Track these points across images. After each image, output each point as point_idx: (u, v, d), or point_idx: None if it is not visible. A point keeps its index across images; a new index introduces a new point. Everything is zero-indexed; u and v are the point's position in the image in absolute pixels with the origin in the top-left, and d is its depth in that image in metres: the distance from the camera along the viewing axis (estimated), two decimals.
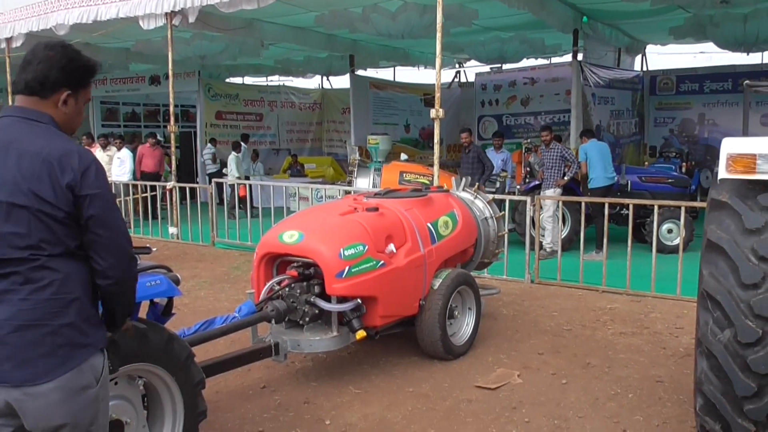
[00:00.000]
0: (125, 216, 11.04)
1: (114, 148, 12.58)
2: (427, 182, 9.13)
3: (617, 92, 13.26)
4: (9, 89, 12.70)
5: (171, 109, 10.55)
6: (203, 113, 15.60)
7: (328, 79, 19.61)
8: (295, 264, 4.54)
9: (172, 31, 9.88)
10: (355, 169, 10.64)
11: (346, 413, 4.12)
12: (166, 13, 9.53)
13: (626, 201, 7.82)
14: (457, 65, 17.67)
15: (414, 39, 11.21)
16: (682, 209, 7.19)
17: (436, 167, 7.64)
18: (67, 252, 2.08)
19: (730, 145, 3.04)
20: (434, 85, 7.48)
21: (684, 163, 11.93)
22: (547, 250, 8.70)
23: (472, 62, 16.42)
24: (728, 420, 2.90)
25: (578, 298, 6.84)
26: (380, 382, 4.59)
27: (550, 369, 4.82)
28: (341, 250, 4.33)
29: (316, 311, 4.40)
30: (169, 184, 10.80)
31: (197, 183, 14.29)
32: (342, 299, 4.39)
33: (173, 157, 11.03)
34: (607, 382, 4.57)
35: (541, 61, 15.53)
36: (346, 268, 4.30)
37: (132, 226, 11.19)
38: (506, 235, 6.82)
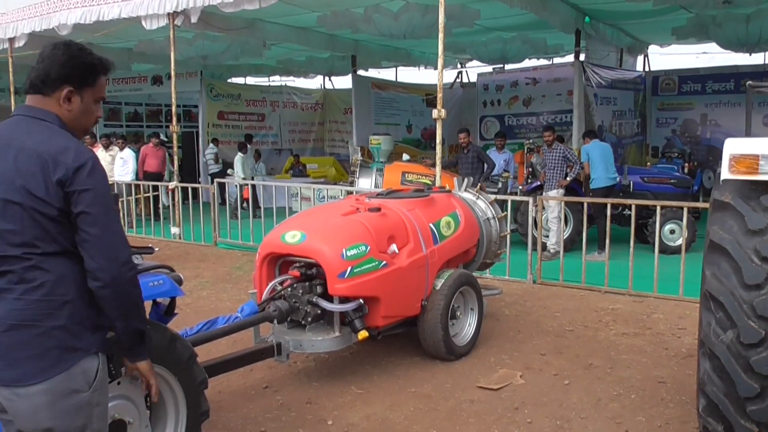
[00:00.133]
0: (127, 216, 11.07)
1: (116, 148, 12.60)
2: (429, 182, 9.13)
3: (619, 93, 13.25)
4: (12, 89, 12.76)
5: (173, 109, 10.57)
6: (205, 113, 15.61)
7: (330, 80, 19.61)
8: (298, 264, 4.54)
9: (175, 31, 9.89)
10: (357, 170, 10.64)
11: (348, 413, 4.12)
12: (169, 14, 9.55)
13: (628, 201, 7.82)
14: (459, 65, 17.67)
15: (416, 39, 11.21)
16: (685, 210, 7.19)
17: (438, 168, 7.64)
18: (63, 251, 2.06)
19: (733, 146, 3.04)
20: (436, 85, 7.49)
21: (686, 164, 11.90)
22: (551, 251, 8.69)
23: (474, 62, 16.41)
24: (731, 421, 2.90)
25: (580, 298, 6.84)
26: (382, 383, 4.59)
27: (552, 370, 4.81)
28: (343, 250, 4.33)
29: (319, 311, 4.40)
30: (172, 184, 10.82)
31: (199, 183, 14.30)
32: (344, 299, 4.39)
33: (175, 157, 11.04)
34: (609, 382, 4.57)
35: (543, 62, 15.53)
36: (349, 269, 4.30)
37: (134, 226, 11.21)
38: (508, 236, 6.82)
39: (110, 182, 10.94)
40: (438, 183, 7.50)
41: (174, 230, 10.62)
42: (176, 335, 3.05)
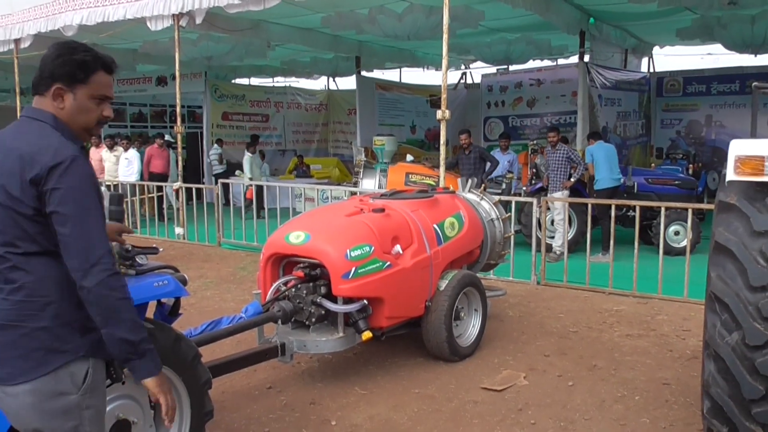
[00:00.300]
0: (132, 216, 11.10)
1: (120, 149, 12.63)
2: (433, 183, 9.13)
3: (624, 94, 13.23)
4: (17, 90, 12.81)
5: (178, 109, 10.60)
6: (209, 114, 15.64)
7: (334, 80, 19.64)
8: (302, 265, 4.55)
9: (179, 32, 9.92)
10: (361, 170, 10.66)
11: (351, 414, 4.13)
12: (174, 15, 9.57)
13: (633, 203, 7.80)
14: (463, 66, 17.66)
15: (420, 40, 11.21)
16: (689, 211, 7.18)
17: (441, 168, 7.64)
18: (45, 252, 2.04)
19: (739, 147, 3.03)
20: (440, 86, 7.48)
21: (691, 165, 11.90)
22: (557, 252, 8.68)
23: (478, 63, 16.39)
24: (736, 423, 2.89)
25: (584, 299, 6.83)
26: (386, 383, 4.59)
27: (556, 371, 4.81)
28: (348, 251, 4.33)
29: (323, 312, 4.41)
30: (176, 185, 10.84)
31: (203, 183, 14.33)
32: (348, 300, 4.39)
33: (179, 158, 11.07)
34: (613, 384, 4.56)
35: (547, 63, 15.51)
36: (353, 269, 4.31)
37: (139, 226, 11.24)
38: (512, 237, 6.81)
39: (115, 182, 10.96)
40: (442, 184, 7.49)
41: (178, 230, 10.64)
42: (181, 335, 3.06)
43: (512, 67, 15.06)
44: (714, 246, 3.07)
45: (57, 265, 2.04)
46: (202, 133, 16.17)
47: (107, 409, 2.72)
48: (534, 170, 10.06)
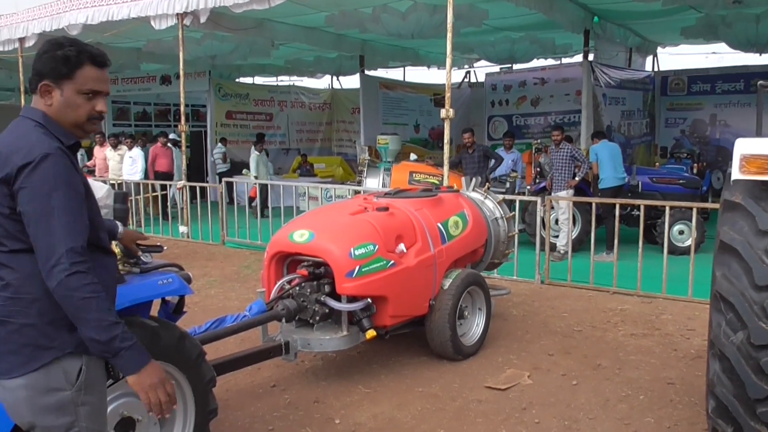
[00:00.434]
0: (136, 215, 11.12)
1: (125, 147, 12.65)
2: (437, 182, 9.12)
3: (628, 93, 13.20)
4: (22, 89, 12.85)
5: (182, 108, 10.61)
6: (213, 113, 15.66)
7: (338, 79, 19.64)
8: (306, 263, 4.55)
9: (183, 31, 9.93)
10: (365, 169, 10.66)
11: (355, 412, 4.13)
12: (178, 14, 9.58)
13: (637, 202, 7.79)
14: (467, 65, 17.65)
15: (424, 39, 11.21)
16: (694, 210, 7.16)
17: (445, 167, 7.64)
18: (30, 249, 2.03)
19: (744, 146, 3.02)
20: (444, 85, 7.48)
21: (695, 164, 11.86)
22: (561, 252, 8.67)
23: (482, 62, 16.39)
24: (741, 423, 2.88)
25: (588, 299, 6.82)
26: (390, 382, 4.60)
27: (560, 370, 4.80)
28: (351, 249, 4.33)
29: (327, 310, 4.41)
30: (180, 183, 10.86)
31: (207, 182, 14.35)
32: (352, 299, 4.39)
33: (184, 156, 11.08)
34: (617, 383, 4.55)
35: (551, 62, 15.49)
36: (357, 268, 4.31)
37: (143, 225, 11.26)
38: (516, 236, 6.81)
39: (119, 181, 10.94)
40: (446, 182, 7.49)
41: (182, 229, 10.66)
42: (185, 333, 3.06)
43: (516, 66, 15.06)
44: (719, 245, 3.06)
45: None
46: (206, 131, 16.19)
47: (111, 407, 2.74)
48: (538, 169, 10.05)
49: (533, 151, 10.93)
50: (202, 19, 9.62)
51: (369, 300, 4.41)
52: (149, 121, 18.45)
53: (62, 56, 2.09)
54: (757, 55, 12.62)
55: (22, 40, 11.84)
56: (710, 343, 3.08)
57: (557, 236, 8.91)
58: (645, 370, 4.81)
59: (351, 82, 18.65)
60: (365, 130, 14.13)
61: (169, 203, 11.88)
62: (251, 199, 12.23)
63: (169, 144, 13.27)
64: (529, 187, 10.16)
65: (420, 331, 4.98)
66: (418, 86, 16.96)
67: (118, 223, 2.79)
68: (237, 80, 17.94)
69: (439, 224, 5.02)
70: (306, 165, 15.66)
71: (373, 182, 10.35)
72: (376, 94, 15.01)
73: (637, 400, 4.28)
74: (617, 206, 7.44)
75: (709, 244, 8.17)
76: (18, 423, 2.13)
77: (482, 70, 17.07)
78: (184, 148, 11.08)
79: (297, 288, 4.47)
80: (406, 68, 18.17)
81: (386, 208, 4.80)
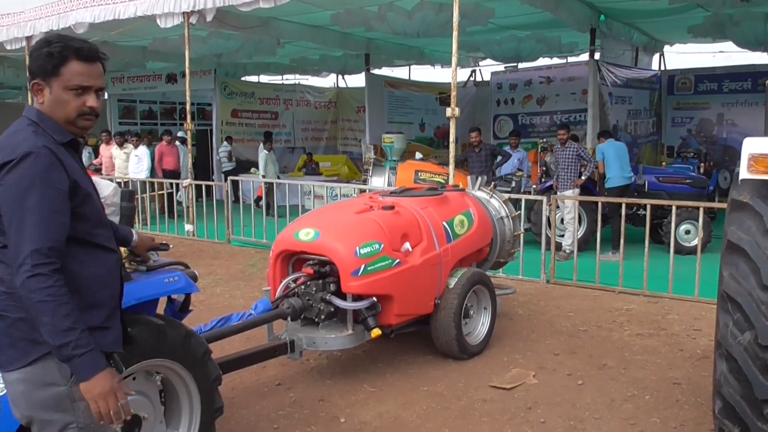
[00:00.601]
0: (142, 213, 11.15)
1: (130, 146, 12.69)
2: (443, 181, 9.11)
3: (634, 92, 13.16)
4: (29, 87, 12.89)
5: (188, 107, 10.63)
6: (219, 111, 15.67)
7: (343, 78, 19.63)
8: (311, 262, 4.55)
9: (189, 30, 9.94)
10: (370, 168, 10.65)
11: (360, 411, 4.13)
12: (184, 12, 9.60)
13: (643, 201, 7.76)
14: (472, 64, 17.61)
15: (429, 38, 11.19)
16: (701, 210, 7.13)
17: (451, 166, 7.63)
18: None
19: (752, 145, 3.00)
20: (449, 83, 7.47)
21: (702, 164, 11.82)
22: (567, 251, 8.65)
23: (488, 61, 16.34)
24: (748, 423, 2.87)
25: (594, 298, 6.80)
26: (395, 381, 4.60)
27: (565, 369, 4.79)
28: (357, 248, 4.33)
29: (332, 309, 4.41)
30: (185, 182, 10.88)
31: (213, 180, 14.38)
32: (357, 297, 4.39)
33: (190, 154, 11.10)
34: (623, 383, 4.54)
35: (557, 60, 15.44)
36: (362, 267, 4.31)
37: (149, 223, 11.30)
38: (522, 235, 6.79)
39: (125, 180, 10.98)
40: (451, 181, 7.48)
41: (188, 227, 10.68)
42: (191, 332, 3.07)
43: (522, 65, 15.00)
44: (726, 245, 3.05)
45: None
46: (211, 130, 16.21)
47: None
48: (544, 168, 10.03)
49: (539, 150, 10.91)
50: (209, 18, 9.64)
51: (374, 299, 4.41)
52: (155, 119, 18.49)
53: (47, 53, 2.09)
54: (765, 54, 12.56)
55: (29, 38, 11.88)
56: (717, 343, 3.06)
57: (563, 235, 8.89)
58: (651, 370, 4.79)
59: (356, 80, 18.66)
60: (370, 128, 14.12)
61: (175, 201, 11.89)
62: (259, 198, 12.25)
63: (177, 142, 13.29)
64: (534, 186, 10.14)
65: (425, 330, 4.98)
66: (424, 85, 16.92)
67: (134, 232, 2.79)
68: (242, 79, 17.95)
69: (445, 223, 5.01)
70: (311, 164, 15.66)
71: (378, 181, 10.35)
72: (382, 92, 14.99)
73: (643, 400, 4.27)
74: (623, 205, 7.42)
75: (716, 244, 8.15)
76: (18, 418, 2.15)
77: (488, 68, 17.03)
78: (189, 146, 11.09)
79: (302, 287, 4.47)
80: (411, 67, 18.14)
81: (392, 207, 4.80)
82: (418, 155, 11.24)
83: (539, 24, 11.63)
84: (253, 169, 13.40)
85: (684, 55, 15.81)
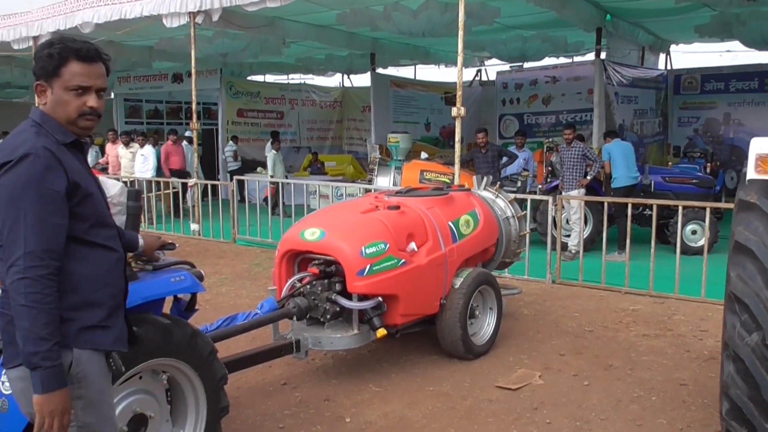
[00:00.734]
0: (148, 212, 11.17)
1: (136, 145, 12.72)
2: (448, 181, 9.10)
3: (641, 91, 13.11)
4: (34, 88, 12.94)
5: (194, 106, 10.66)
6: (225, 111, 15.70)
7: (348, 78, 19.63)
8: (317, 261, 4.55)
9: (195, 30, 9.96)
10: (376, 168, 10.65)
11: (366, 411, 4.13)
12: (190, 12, 9.61)
13: (650, 201, 7.73)
14: (478, 63, 17.59)
15: (435, 37, 11.18)
16: (707, 210, 7.10)
17: (457, 166, 7.62)
18: None
19: (759, 145, 2.99)
20: (455, 83, 7.46)
21: (708, 164, 11.75)
22: (572, 251, 8.63)
23: (493, 60, 16.32)
24: (755, 424, 2.86)
25: (600, 299, 6.78)
26: (400, 381, 4.59)
27: (571, 370, 4.78)
28: (362, 248, 4.33)
29: (337, 309, 4.41)
30: (191, 181, 10.91)
31: (218, 180, 14.40)
32: (363, 297, 4.39)
33: (196, 154, 11.12)
34: (629, 384, 4.53)
35: (562, 60, 15.41)
36: (368, 266, 4.30)
37: (155, 222, 11.33)
38: (527, 235, 6.78)
39: (131, 179, 11.02)
40: (457, 181, 7.47)
41: (193, 227, 10.71)
42: (197, 331, 3.08)
43: (527, 65, 14.98)
44: (734, 245, 3.03)
45: None
46: (217, 130, 16.24)
47: (125, 403, 2.77)
48: (549, 168, 10.01)
49: (545, 150, 10.88)
50: (214, 18, 9.66)
51: (380, 298, 4.41)
52: (161, 118, 18.54)
53: (47, 55, 2.12)
54: None
55: (36, 38, 11.92)
56: (724, 344, 3.05)
57: (569, 236, 8.87)
58: (657, 370, 4.78)
59: (362, 80, 18.65)
60: (376, 128, 14.12)
61: (181, 201, 11.91)
62: (267, 199, 12.27)
63: (185, 141, 13.32)
64: (540, 186, 10.12)
65: (431, 330, 4.98)
66: (429, 84, 16.91)
67: (140, 237, 2.79)
68: (248, 78, 17.97)
69: (450, 223, 5.01)
70: (317, 163, 15.67)
71: (383, 181, 10.35)
72: (387, 92, 14.98)
73: (650, 401, 4.26)
74: (629, 206, 7.39)
75: (722, 245, 8.14)
76: (23, 413, 2.18)
77: (493, 68, 17.00)
78: (196, 145, 11.12)
79: (308, 286, 4.48)
80: (416, 66, 18.14)
81: (397, 207, 4.80)
82: (424, 155, 11.22)
83: (545, 23, 11.61)
84: (259, 169, 13.40)
85: (690, 55, 15.76)
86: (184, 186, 11.22)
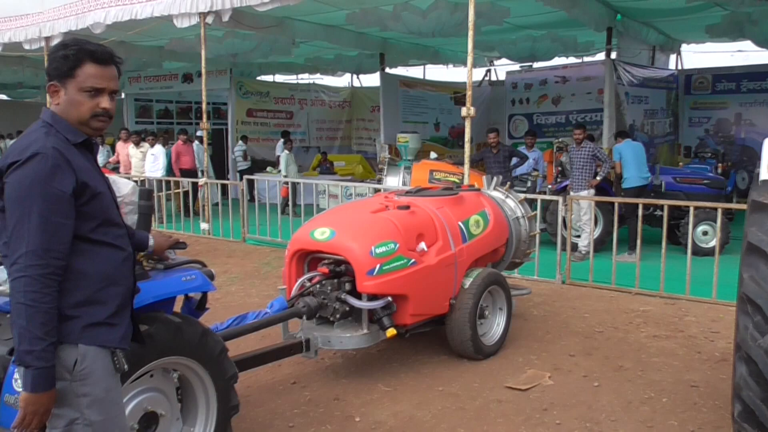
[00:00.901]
0: (158, 211, 11.23)
1: (147, 145, 12.78)
2: (457, 181, 9.09)
3: (651, 91, 13.04)
4: (47, 89, 13.03)
5: (204, 106, 10.70)
6: (234, 111, 15.75)
7: (357, 77, 19.64)
8: (327, 261, 4.56)
9: (205, 30, 10.00)
10: (385, 168, 10.65)
11: (375, 410, 4.13)
12: (200, 13, 9.65)
13: (661, 202, 7.69)
14: (487, 63, 17.56)
15: (444, 37, 11.16)
16: (719, 211, 7.06)
17: (466, 166, 7.61)
18: None
19: None
20: (464, 83, 7.44)
21: (720, 164, 11.67)
22: (582, 252, 8.60)
23: (503, 60, 16.28)
24: None
25: (610, 299, 6.75)
26: (410, 381, 4.59)
27: (581, 371, 4.76)
28: (372, 247, 4.33)
29: (347, 308, 4.41)
30: (201, 180, 10.95)
31: (228, 180, 14.45)
32: (373, 297, 4.39)
33: (206, 154, 11.17)
34: (640, 385, 4.50)
35: (572, 60, 15.35)
36: (377, 266, 4.31)
37: (165, 222, 11.38)
38: (537, 235, 6.76)
39: (141, 178, 11.08)
40: (466, 181, 7.46)
41: (203, 226, 10.75)
42: (208, 330, 3.09)
43: (537, 64, 14.92)
44: (747, 246, 3.01)
45: None
46: (226, 129, 16.30)
47: (136, 401, 2.78)
48: (559, 168, 9.97)
49: (554, 150, 10.85)
50: (225, 18, 9.69)
51: (389, 298, 4.41)
52: (171, 118, 18.63)
53: (62, 56, 2.14)
54: None
55: (47, 39, 12.00)
56: (737, 345, 3.03)
57: (578, 236, 8.83)
58: (668, 372, 4.75)
59: (371, 80, 18.65)
60: (385, 128, 14.11)
61: (191, 201, 11.95)
62: (284, 199, 12.32)
63: (196, 141, 13.36)
64: (550, 186, 10.09)
65: (440, 330, 4.98)
66: (438, 84, 16.89)
67: (150, 237, 2.80)
68: (258, 78, 18.02)
69: (460, 223, 5.00)
70: (326, 163, 15.68)
71: (393, 180, 10.34)
72: (396, 92, 14.98)
73: (660, 402, 4.24)
74: (640, 206, 7.35)
75: (734, 246, 8.10)
76: None
77: (503, 68, 16.97)
78: (206, 145, 11.16)
79: (318, 285, 4.48)
80: (426, 66, 18.12)
81: (407, 207, 4.80)
82: (433, 155, 11.21)
83: (555, 23, 11.57)
84: (269, 168, 13.43)
85: (701, 55, 15.65)
86: (195, 186, 11.26)
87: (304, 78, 20.69)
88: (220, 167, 16.01)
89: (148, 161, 12.45)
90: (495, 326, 5.19)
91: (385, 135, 13.92)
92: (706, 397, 4.29)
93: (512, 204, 5.92)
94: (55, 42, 11.83)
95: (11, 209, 2.03)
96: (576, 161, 8.91)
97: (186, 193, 11.73)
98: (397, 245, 4.44)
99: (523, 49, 13.10)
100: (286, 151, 13.13)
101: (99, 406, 2.14)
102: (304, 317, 4.44)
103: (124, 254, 2.26)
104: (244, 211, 10.30)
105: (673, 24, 12.16)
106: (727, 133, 14.55)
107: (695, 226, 8.36)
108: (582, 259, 8.39)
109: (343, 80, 20.70)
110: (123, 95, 17.18)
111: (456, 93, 16.33)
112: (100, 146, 14.31)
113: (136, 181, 11.10)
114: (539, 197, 8.24)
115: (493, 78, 17.68)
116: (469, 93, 7.24)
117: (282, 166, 13.04)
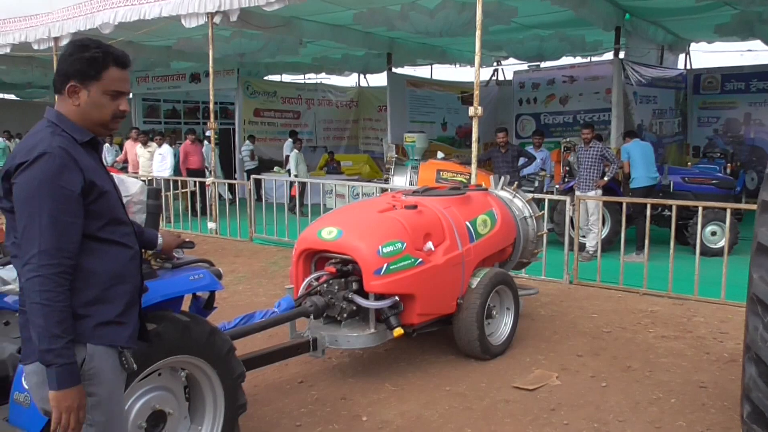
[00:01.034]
0: (166, 210, 11.26)
1: (154, 144, 12.83)
2: (464, 180, 9.08)
3: (660, 91, 12.98)
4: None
5: (211, 106, 10.73)
6: (242, 110, 15.78)
7: (365, 77, 19.64)
8: (334, 260, 4.57)
9: (213, 30, 10.03)
10: (392, 167, 10.65)
11: (382, 410, 4.13)
12: (208, 13, 9.68)
13: (669, 202, 7.66)
14: (495, 63, 17.53)
15: (452, 37, 11.15)
16: (728, 211, 7.02)
17: (473, 166, 7.59)
18: None
19: None
20: (471, 83, 7.45)
21: (728, 164, 11.62)
22: (590, 252, 8.57)
23: (511, 60, 16.24)
24: None
25: (618, 300, 6.73)
26: (417, 380, 4.59)
27: (589, 371, 4.75)
28: (380, 247, 4.33)
29: (354, 308, 4.42)
30: (209, 180, 10.97)
31: (236, 179, 14.48)
32: (380, 296, 4.39)
33: (213, 154, 11.20)
34: (648, 386, 4.48)
35: (580, 59, 15.30)
36: (385, 266, 4.30)
37: (173, 221, 11.42)
38: (545, 235, 6.74)
39: (149, 178, 11.12)
40: (474, 181, 7.45)
41: (210, 225, 10.78)
42: (215, 329, 3.09)
43: (544, 64, 14.87)
44: (757, 247, 2.99)
45: None
46: (234, 129, 16.33)
47: (143, 400, 2.79)
48: (567, 168, 9.94)
49: (562, 150, 10.82)
50: (233, 18, 9.71)
51: (396, 298, 4.41)
52: (179, 118, 18.69)
53: (89, 58, 2.16)
54: None
55: (56, 39, 12.06)
56: (746, 346, 3.01)
57: (586, 236, 8.80)
58: (676, 372, 4.73)
59: (378, 79, 18.68)
60: (392, 128, 14.10)
61: (198, 200, 11.99)
62: (293, 199, 12.35)
63: (205, 141, 13.40)
64: (558, 186, 10.06)
65: (447, 330, 4.97)
66: (446, 84, 16.86)
67: (159, 236, 2.81)
68: (265, 78, 18.06)
69: (468, 223, 4.99)
70: (333, 163, 15.70)
71: (400, 180, 10.34)
72: (403, 91, 14.96)
73: (668, 403, 4.22)
74: (648, 206, 7.32)
75: (742, 246, 8.05)
76: (38, 408, 2.21)
77: (510, 68, 16.94)
78: (213, 144, 11.19)
79: (325, 285, 4.48)
80: (433, 66, 18.10)
81: (415, 206, 4.79)
82: (440, 154, 11.20)
83: (563, 23, 11.53)
84: (276, 168, 13.46)
85: (710, 54, 15.57)
86: (202, 186, 11.30)
87: (311, 78, 20.72)
88: (227, 167, 16.06)
89: (156, 161, 12.50)
90: (502, 326, 5.18)
91: (392, 135, 13.91)
92: (715, 398, 4.27)
93: (520, 204, 5.91)
94: (64, 42, 11.91)
95: (21, 210, 2.04)
96: (584, 161, 8.88)
97: (193, 193, 11.77)
98: (405, 245, 4.44)
99: (530, 48, 13.07)
100: (296, 151, 13.16)
101: (103, 406, 2.15)
102: (312, 316, 4.44)
103: (132, 252, 2.27)
104: (251, 210, 10.32)
105: (682, 23, 12.10)
106: (736, 133, 14.47)
107: (704, 226, 8.32)
108: (590, 259, 8.37)
109: (350, 80, 20.74)
110: (131, 95, 17.26)
111: (463, 93, 16.30)
112: (109, 145, 14.38)
113: (143, 181, 11.17)
114: (547, 197, 8.22)
115: (501, 78, 17.66)
116: (476, 93, 7.23)
117: (291, 165, 13.06)
